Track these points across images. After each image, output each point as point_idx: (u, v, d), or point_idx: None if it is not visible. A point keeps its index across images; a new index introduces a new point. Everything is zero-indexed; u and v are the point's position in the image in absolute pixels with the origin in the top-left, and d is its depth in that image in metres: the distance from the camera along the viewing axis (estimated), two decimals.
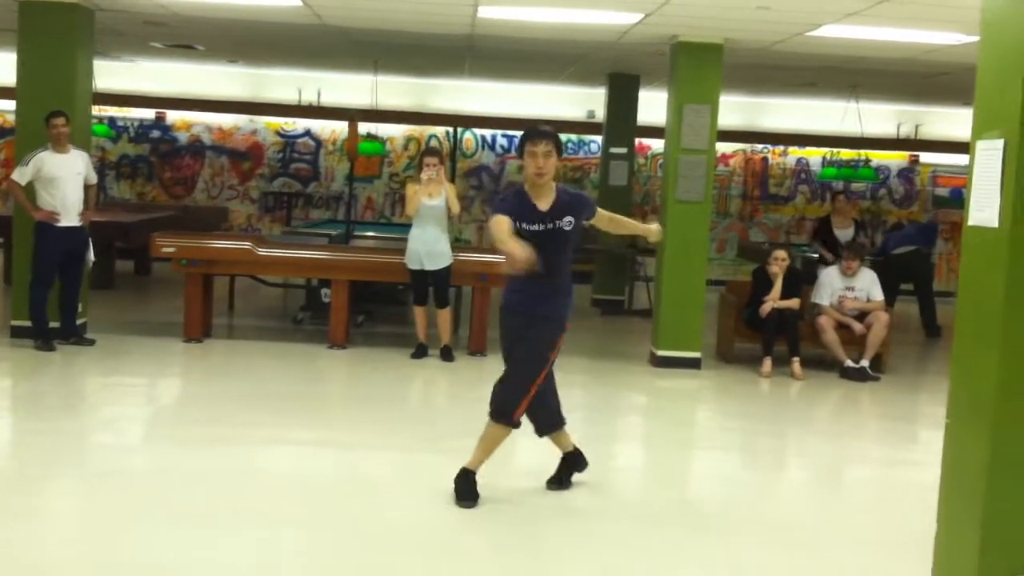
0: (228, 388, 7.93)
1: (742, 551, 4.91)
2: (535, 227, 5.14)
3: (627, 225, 6.05)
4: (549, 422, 5.51)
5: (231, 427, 6.72)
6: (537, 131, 5.19)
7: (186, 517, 4.92)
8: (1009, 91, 3.64)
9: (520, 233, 5.11)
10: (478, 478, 5.31)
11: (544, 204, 5.18)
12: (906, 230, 13.24)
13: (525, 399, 5.25)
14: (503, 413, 5.27)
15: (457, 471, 5.32)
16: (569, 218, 5.18)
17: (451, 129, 16.10)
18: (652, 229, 5.83)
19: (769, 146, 16.54)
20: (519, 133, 15.92)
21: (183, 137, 16.14)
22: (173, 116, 16.07)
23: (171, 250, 9.29)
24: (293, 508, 5.12)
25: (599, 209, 5.52)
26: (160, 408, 7.76)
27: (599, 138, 14.17)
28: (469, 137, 16.33)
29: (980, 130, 3.84)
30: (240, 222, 16.16)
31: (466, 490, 5.27)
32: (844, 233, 11.64)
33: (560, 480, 5.62)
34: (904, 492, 6.09)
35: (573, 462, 5.66)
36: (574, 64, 12.41)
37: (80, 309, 9.00)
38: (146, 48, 13.27)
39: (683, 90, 9.35)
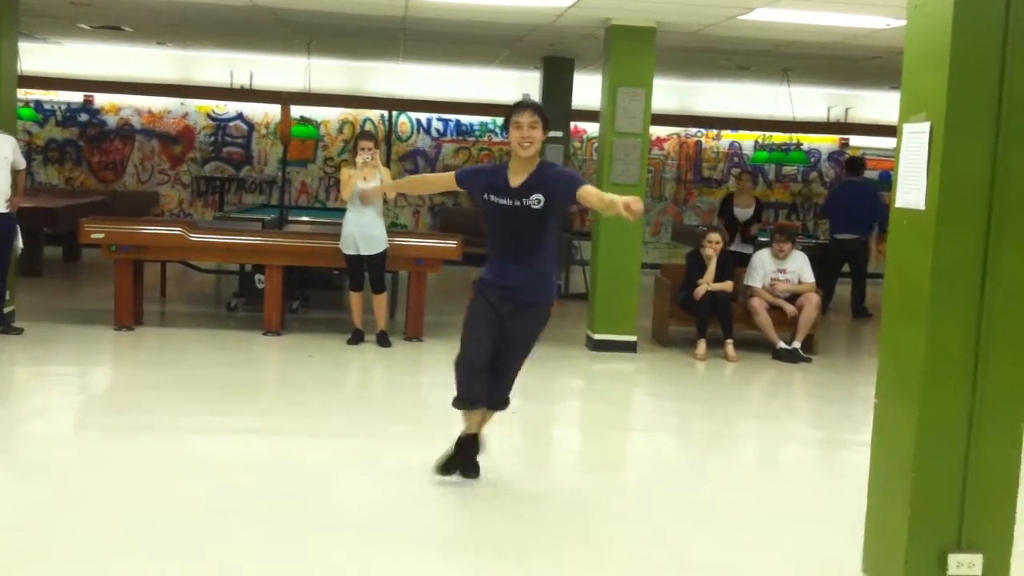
0: (161, 376, 7.81)
1: (677, 531, 4.96)
2: (503, 201, 5.10)
3: (602, 200, 5.04)
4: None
5: (164, 415, 6.63)
6: (522, 103, 5.17)
7: (119, 506, 4.85)
8: (934, 74, 3.70)
9: (488, 204, 5.13)
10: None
11: (516, 180, 5.10)
12: (853, 204, 12.32)
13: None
14: (505, 405, 5.40)
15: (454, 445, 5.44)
16: (538, 196, 5.05)
17: (386, 113, 16.00)
18: (617, 203, 4.67)
19: (703, 130, 16.66)
20: (454, 117, 16.10)
21: (112, 121, 15.84)
22: (101, 99, 15.77)
23: (100, 236, 9.12)
24: (228, 496, 5.07)
25: (587, 187, 5.01)
26: (91, 397, 7.63)
27: None
28: (404, 121, 16.23)
29: (907, 113, 3.90)
30: (171, 207, 15.92)
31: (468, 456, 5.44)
32: (744, 212, 11.79)
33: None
34: (836, 471, 6.19)
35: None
36: (509, 48, 12.38)
37: (7, 297, 8.82)
38: (73, 29, 13.00)
39: (617, 73, 9.38)
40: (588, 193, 4.98)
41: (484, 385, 5.24)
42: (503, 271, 5.18)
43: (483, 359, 5.20)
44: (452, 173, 5.42)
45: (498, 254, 5.23)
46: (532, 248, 5.14)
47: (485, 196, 5.15)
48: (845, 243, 12.31)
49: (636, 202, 4.57)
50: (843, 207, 12.46)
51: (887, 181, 16.25)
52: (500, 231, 5.20)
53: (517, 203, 5.07)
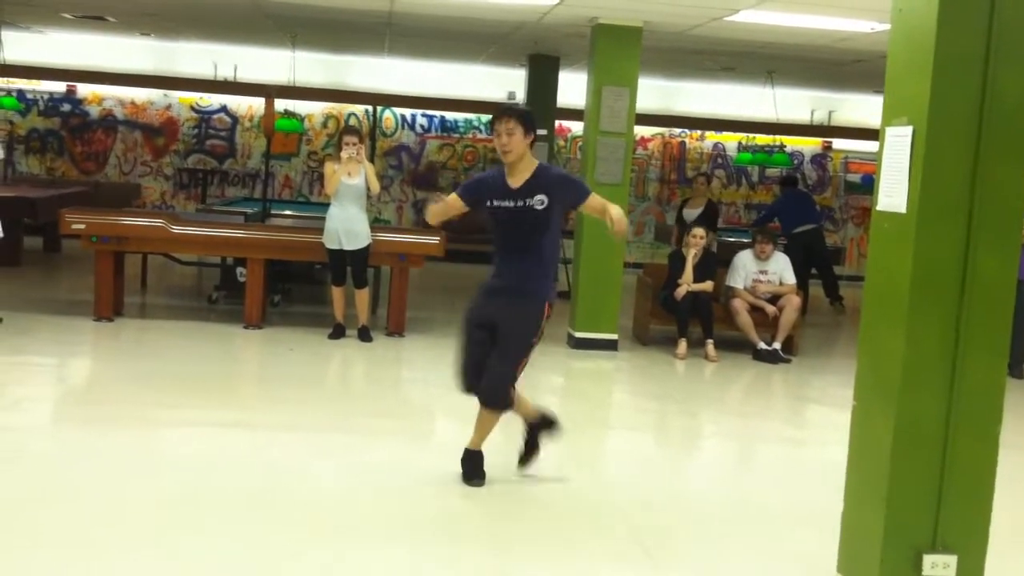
0: (139, 368, 7.78)
1: (652, 528, 4.97)
2: (506, 203, 5.14)
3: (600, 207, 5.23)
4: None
5: (142, 408, 6.60)
6: (502, 108, 5.22)
7: (93, 499, 4.82)
8: (917, 79, 3.71)
9: (493, 209, 5.16)
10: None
11: (516, 181, 5.15)
12: (800, 204, 12.92)
13: (512, 382, 5.22)
14: (495, 401, 5.24)
15: (461, 454, 5.42)
16: (541, 197, 5.09)
17: (371, 108, 15.97)
18: (612, 214, 5.01)
19: (687, 130, 16.70)
20: (439, 113, 16.08)
21: (94, 111, 15.77)
22: (84, 89, 15.69)
23: (81, 227, 9.07)
24: (204, 490, 5.05)
25: (593, 198, 5.19)
26: (69, 388, 7.59)
27: None
28: (389, 116, 16.21)
29: (889, 117, 3.92)
30: (153, 199, 15.86)
31: (473, 469, 5.38)
32: (691, 213, 12.01)
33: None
34: (813, 471, 6.21)
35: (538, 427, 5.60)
36: (495, 44, 12.37)
37: None
38: (56, 19, 12.93)
39: (602, 72, 9.39)
40: (593, 201, 5.18)
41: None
42: (500, 272, 5.25)
43: (471, 363, 5.23)
44: (455, 194, 5.33)
45: (500, 256, 5.24)
46: (531, 248, 5.17)
47: (489, 203, 5.18)
48: (803, 235, 12.43)
49: (621, 221, 4.93)
50: (794, 207, 12.79)
51: (869, 184, 16.36)
52: (504, 234, 5.21)
53: (520, 204, 5.11)
